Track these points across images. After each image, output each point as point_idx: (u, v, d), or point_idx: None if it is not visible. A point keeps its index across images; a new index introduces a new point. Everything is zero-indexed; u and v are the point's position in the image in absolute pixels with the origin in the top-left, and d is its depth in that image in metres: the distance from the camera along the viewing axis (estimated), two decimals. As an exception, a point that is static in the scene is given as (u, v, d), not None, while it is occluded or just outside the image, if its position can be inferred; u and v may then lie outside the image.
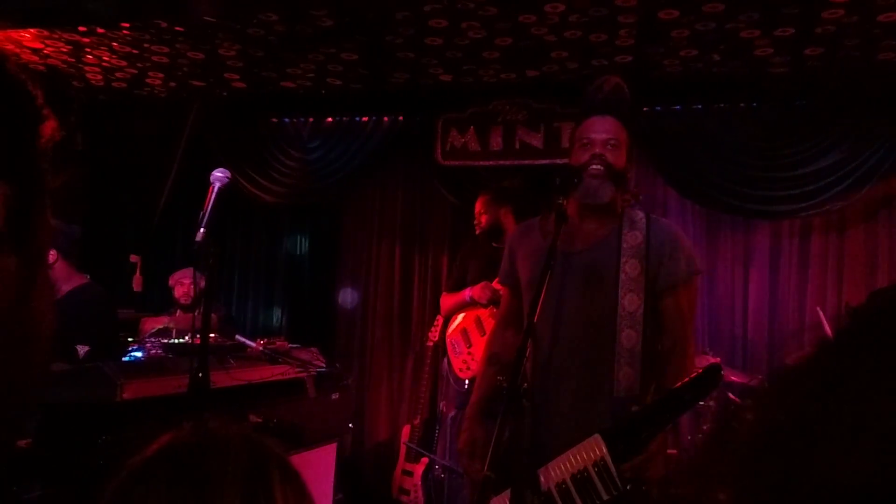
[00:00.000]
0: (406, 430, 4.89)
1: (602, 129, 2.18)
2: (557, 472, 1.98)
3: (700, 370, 1.93)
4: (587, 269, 2.17)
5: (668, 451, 3.64)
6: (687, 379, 1.93)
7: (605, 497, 1.90)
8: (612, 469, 1.90)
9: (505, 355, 2.40)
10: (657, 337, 2.20)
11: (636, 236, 2.18)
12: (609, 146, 2.16)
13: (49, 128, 0.55)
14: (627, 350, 2.07)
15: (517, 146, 4.98)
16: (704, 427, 4.01)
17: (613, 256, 2.16)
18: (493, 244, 4.14)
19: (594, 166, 2.14)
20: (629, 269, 2.13)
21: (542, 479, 1.98)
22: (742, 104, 4.71)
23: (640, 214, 2.27)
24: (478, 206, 4.26)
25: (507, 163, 5.00)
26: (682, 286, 2.18)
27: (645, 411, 1.92)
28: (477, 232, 4.24)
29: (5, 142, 0.50)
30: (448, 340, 4.23)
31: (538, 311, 1.80)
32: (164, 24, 4.14)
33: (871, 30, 3.75)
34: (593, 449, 1.94)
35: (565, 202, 1.99)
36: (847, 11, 3.55)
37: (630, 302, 2.10)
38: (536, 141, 4.94)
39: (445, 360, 4.31)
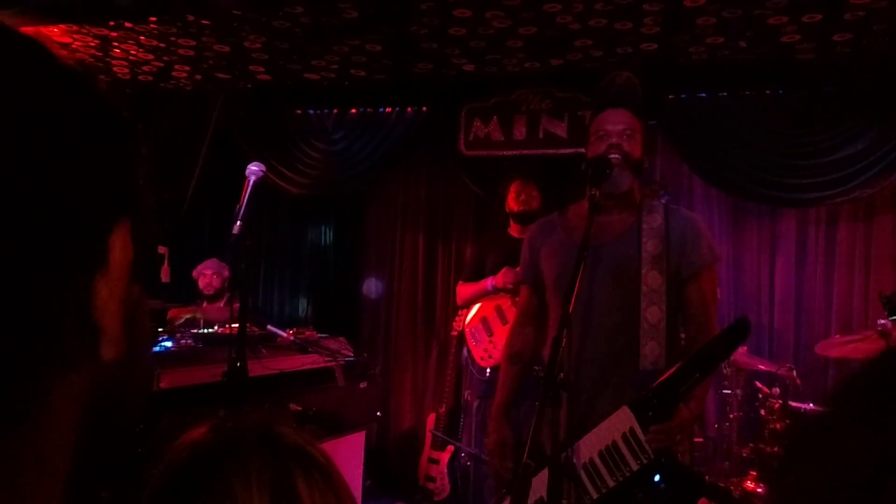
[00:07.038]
0: (431, 418, 4.93)
1: (618, 121, 2.23)
2: (585, 449, 1.98)
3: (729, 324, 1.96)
4: (614, 261, 2.20)
5: (695, 439, 3.66)
6: (715, 335, 1.96)
7: (635, 466, 1.90)
8: (641, 437, 1.90)
9: (527, 353, 2.45)
10: (679, 315, 2.24)
11: (655, 218, 2.24)
12: (625, 136, 2.21)
13: (143, 146, 0.53)
14: (652, 325, 2.12)
15: (541, 135, 4.97)
16: (731, 416, 4.01)
17: (636, 241, 2.20)
18: (514, 235, 4.12)
19: (612, 155, 2.18)
20: (650, 248, 2.18)
21: (572, 456, 1.98)
22: (768, 91, 4.67)
23: (658, 203, 2.34)
24: (527, 189, 4.19)
25: (531, 152, 4.99)
26: (705, 272, 2.23)
27: (673, 374, 1.92)
28: (520, 209, 4.13)
29: (118, 177, 0.48)
30: (467, 330, 4.23)
31: (573, 301, 1.81)
32: (191, 18, 4.18)
33: (901, 14, 3.71)
34: (622, 421, 1.94)
35: (597, 192, 2.01)
36: (877, -4, 3.52)
37: (653, 278, 2.15)
38: (560, 130, 4.93)
39: (465, 349, 4.32)
